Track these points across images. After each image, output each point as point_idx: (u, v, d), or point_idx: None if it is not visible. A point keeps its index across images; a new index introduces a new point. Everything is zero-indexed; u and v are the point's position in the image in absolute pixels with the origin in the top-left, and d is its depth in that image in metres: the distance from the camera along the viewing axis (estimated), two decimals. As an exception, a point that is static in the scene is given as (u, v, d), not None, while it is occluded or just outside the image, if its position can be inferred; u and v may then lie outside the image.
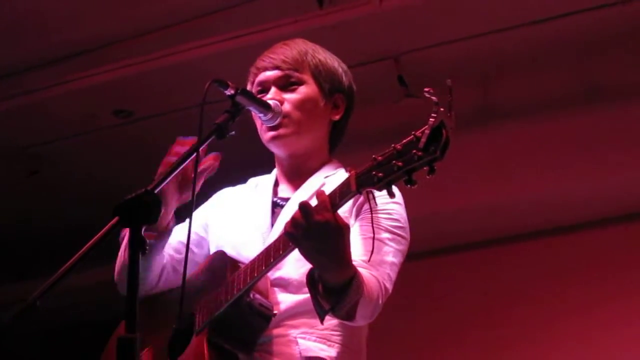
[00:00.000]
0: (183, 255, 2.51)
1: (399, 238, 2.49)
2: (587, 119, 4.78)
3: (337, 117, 2.70)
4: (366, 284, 2.29)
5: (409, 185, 2.02)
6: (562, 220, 5.06)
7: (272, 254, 2.32)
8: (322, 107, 2.66)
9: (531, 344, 4.98)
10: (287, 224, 2.19)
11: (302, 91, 2.63)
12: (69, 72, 4.93)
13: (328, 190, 2.22)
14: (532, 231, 5.14)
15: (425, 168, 1.98)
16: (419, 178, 2.02)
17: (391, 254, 2.45)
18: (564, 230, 5.08)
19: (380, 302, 2.37)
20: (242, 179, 2.84)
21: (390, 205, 2.48)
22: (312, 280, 2.25)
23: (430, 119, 1.97)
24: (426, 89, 1.99)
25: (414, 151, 1.98)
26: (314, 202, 2.21)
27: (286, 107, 2.59)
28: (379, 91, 4.64)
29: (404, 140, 2.02)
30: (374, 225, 2.34)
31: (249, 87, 2.70)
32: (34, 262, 5.40)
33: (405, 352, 5.11)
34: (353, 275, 2.22)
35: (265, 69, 2.65)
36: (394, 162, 2.02)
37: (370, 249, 2.31)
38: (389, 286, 2.42)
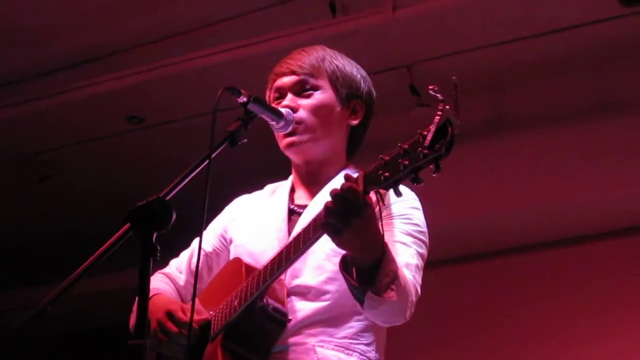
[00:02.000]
0: (199, 276, 2.56)
1: (419, 242, 2.47)
2: (596, 130, 4.78)
3: (355, 123, 2.67)
4: (401, 272, 2.27)
5: (415, 184, 2.02)
6: (571, 231, 5.07)
7: (284, 258, 2.31)
8: (338, 113, 2.64)
9: (530, 353, 5.00)
10: (319, 214, 2.18)
11: (317, 97, 2.62)
12: (80, 79, 4.94)
13: None
14: (540, 242, 5.15)
15: (431, 166, 1.98)
16: (427, 178, 2.02)
17: (415, 256, 2.43)
18: (573, 240, 5.09)
19: (413, 299, 2.34)
20: (259, 185, 2.83)
21: (410, 210, 2.48)
22: (345, 266, 2.24)
23: (436, 117, 1.97)
24: (431, 87, 1.99)
25: (420, 149, 1.98)
26: None
27: (301, 113, 2.58)
28: (391, 100, 4.64)
29: (411, 140, 2.03)
30: (395, 230, 2.34)
31: (267, 93, 2.70)
32: (44, 268, 5.42)
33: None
34: (384, 251, 2.21)
35: (283, 74, 2.64)
36: (400, 161, 2.02)
37: (394, 252, 2.31)
38: (419, 288, 2.40)
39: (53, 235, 6.04)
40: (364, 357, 2.45)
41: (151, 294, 2.49)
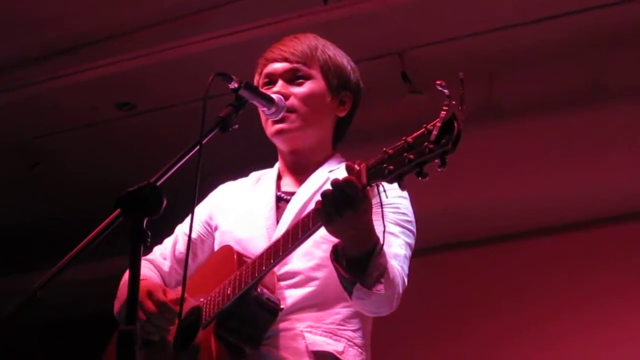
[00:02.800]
0: (183, 262, 2.57)
1: (408, 232, 2.49)
2: (592, 117, 4.78)
3: (342, 114, 2.69)
4: (389, 264, 2.29)
5: (420, 178, 2.01)
6: (565, 218, 5.08)
7: (281, 248, 2.32)
8: (328, 103, 2.65)
9: (527, 341, 5.00)
10: (317, 202, 2.18)
11: (309, 86, 2.62)
12: (71, 64, 4.92)
13: None
14: (534, 229, 5.15)
15: (436, 161, 1.98)
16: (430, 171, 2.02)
17: (403, 247, 2.45)
18: (566, 228, 5.10)
19: (400, 290, 2.36)
20: (243, 173, 2.83)
21: (397, 199, 2.48)
22: (336, 256, 2.25)
23: (442, 112, 1.97)
24: (438, 82, 1.98)
25: (426, 144, 1.98)
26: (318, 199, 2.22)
27: (292, 101, 2.59)
28: (382, 87, 4.64)
29: (415, 134, 2.02)
30: (385, 220, 2.34)
31: (256, 78, 2.70)
32: (36, 254, 5.40)
33: (403, 347, 5.11)
34: (376, 243, 2.22)
35: (274, 60, 2.65)
36: (405, 154, 2.01)
37: (387, 244, 2.32)
38: (406, 279, 2.42)
39: (44, 221, 6.02)
40: (351, 343, 2.47)
41: None
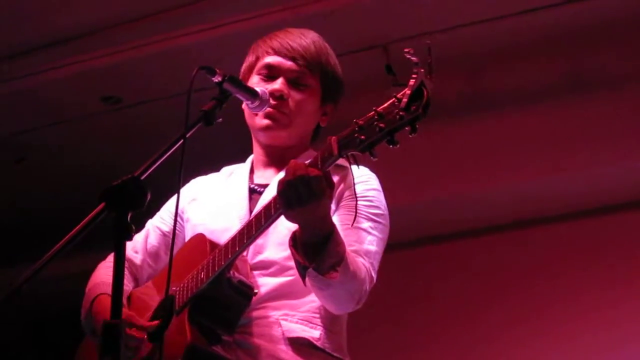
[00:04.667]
0: (155, 255, 2.71)
1: (381, 226, 2.50)
2: (574, 109, 4.80)
3: (323, 124, 2.74)
4: (350, 257, 2.30)
5: (391, 146, 2.04)
6: (546, 211, 5.10)
7: (254, 228, 2.32)
8: (316, 111, 2.69)
9: (513, 336, 5.02)
10: (279, 182, 2.19)
11: (308, 94, 2.65)
12: (56, 58, 4.90)
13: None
14: (518, 221, 5.17)
15: (407, 128, 2.01)
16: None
17: (375, 243, 2.46)
18: (548, 220, 5.13)
19: (367, 287, 2.37)
20: (213, 168, 2.83)
21: (370, 192, 2.51)
22: (294, 243, 2.26)
23: (411, 80, 2.00)
24: (406, 50, 2.01)
25: (396, 111, 2.01)
26: None
27: (289, 103, 2.61)
28: (367, 79, 4.64)
29: (385, 104, 2.06)
30: (357, 214, 2.36)
31: (251, 59, 2.70)
32: (23, 248, 5.39)
33: (386, 343, 5.13)
34: (332, 230, 2.24)
35: (281, 55, 2.64)
36: (375, 123, 2.04)
37: (354, 239, 2.37)
38: (374, 275, 2.43)
39: (29, 216, 6.01)
40: (327, 331, 2.48)
41: (97, 290, 2.51)
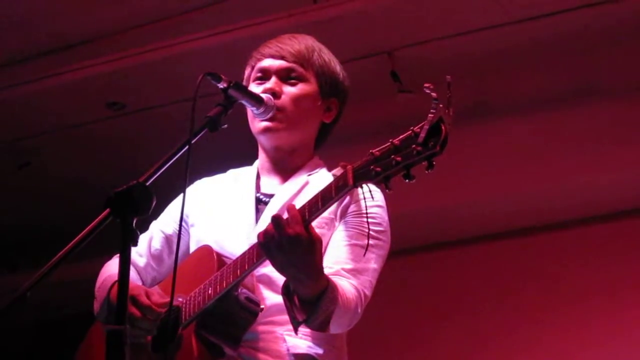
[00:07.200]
0: (158, 258, 2.69)
1: (381, 243, 2.50)
2: (578, 115, 4.81)
3: (328, 120, 2.70)
4: (342, 295, 2.30)
5: (407, 180, 2.02)
6: (545, 219, 5.11)
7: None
8: (316, 107, 2.66)
9: (509, 341, 5.03)
10: (259, 234, 2.20)
11: (301, 87, 2.62)
12: (61, 64, 4.91)
13: (312, 191, 2.24)
14: (518, 228, 5.18)
15: (423, 163, 1.99)
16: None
17: (373, 261, 2.46)
18: (547, 228, 5.13)
19: (358, 310, 2.39)
20: (220, 169, 2.82)
21: (373, 209, 2.48)
22: (287, 291, 2.27)
23: (430, 115, 1.97)
24: (426, 85, 1.99)
25: (413, 146, 1.99)
26: (299, 201, 2.24)
27: (283, 100, 2.59)
28: (372, 86, 4.65)
29: (402, 136, 2.03)
30: (357, 231, 2.39)
31: (248, 71, 2.70)
32: (27, 254, 5.40)
33: (384, 348, 5.13)
34: (325, 288, 2.24)
35: (270, 56, 2.64)
36: (392, 157, 2.02)
37: (353, 256, 2.40)
38: (369, 293, 2.44)
39: (33, 222, 6.01)
40: (331, 347, 2.48)
41: (113, 279, 2.51)
